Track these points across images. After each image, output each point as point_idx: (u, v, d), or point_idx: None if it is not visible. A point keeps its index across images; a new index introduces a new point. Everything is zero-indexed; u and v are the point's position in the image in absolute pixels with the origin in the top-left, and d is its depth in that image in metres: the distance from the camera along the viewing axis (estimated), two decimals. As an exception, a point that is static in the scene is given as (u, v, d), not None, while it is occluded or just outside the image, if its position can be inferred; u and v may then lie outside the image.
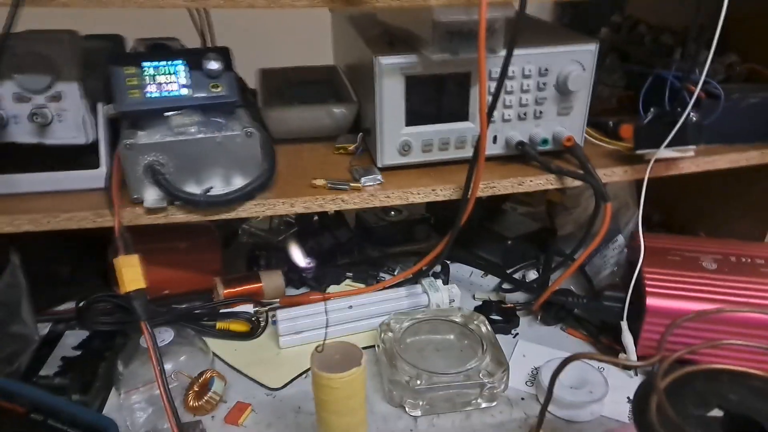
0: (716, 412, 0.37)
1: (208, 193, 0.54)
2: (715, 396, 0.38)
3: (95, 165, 0.56)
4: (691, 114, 0.59)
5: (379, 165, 0.61)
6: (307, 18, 0.97)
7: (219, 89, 0.54)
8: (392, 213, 0.85)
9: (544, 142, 0.62)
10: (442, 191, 0.60)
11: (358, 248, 0.81)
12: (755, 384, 0.39)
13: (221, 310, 0.68)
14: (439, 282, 0.72)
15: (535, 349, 0.67)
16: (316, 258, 0.75)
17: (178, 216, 0.55)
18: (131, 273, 0.51)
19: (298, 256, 0.73)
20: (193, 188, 0.55)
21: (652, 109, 0.63)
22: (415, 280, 0.72)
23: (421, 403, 0.57)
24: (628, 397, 0.60)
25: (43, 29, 0.54)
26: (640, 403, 0.37)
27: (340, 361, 0.43)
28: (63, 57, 0.53)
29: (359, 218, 0.86)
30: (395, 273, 0.77)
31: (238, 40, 0.73)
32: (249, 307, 0.69)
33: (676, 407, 0.35)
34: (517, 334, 0.69)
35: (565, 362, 0.39)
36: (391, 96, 0.58)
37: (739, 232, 0.76)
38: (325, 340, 0.43)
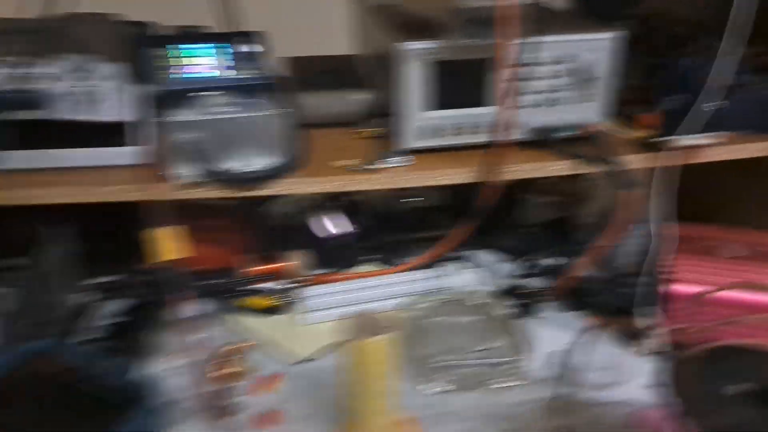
0: (743, 386, 0.38)
1: (238, 171, 0.57)
2: (745, 369, 0.39)
3: (133, 142, 0.58)
4: (714, 103, 0.60)
5: (402, 148, 0.63)
6: (327, 8, 0.99)
7: (251, 71, 0.56)
8: (412, 199, 0.86)
9: (567, 128, 0.63)
10: (463, 174, 0.61)
11: (378, 233, 0.83)
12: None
13: (247, 287, 0.70)
14: (460, 266, 0.73)
15: (555, 333, 0.67)
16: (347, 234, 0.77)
17: (214, 192, 0.57)
18: (169, 246, 0.54)
19: (339, 223, 0.75)
20: (228, 165, 0.57)
21: (673, 98, 0.63)
22: (436, 264, 0.74)
23: (443, 380, 0.59)
24: (649, 381, 0.61)
25: (86, 12, 0.56)
26: (674, 372, 0.38)
27: (370, 330, 0.45)
28: (105, 38, 0.56)
29: (379, 204, 0.87)
30: (415, 257, 0.79)
31: (265, 29, 0.75)
32: (274, 284, 0.71)
33: (708, 377, 0.37)
34: (537, 318, 0.70)
35: (584, 334, 0.40)
36: (413, 81, 0.59)
37: (759, 225, 0.76)
38: (353, 305, 0.45)
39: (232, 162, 0.57)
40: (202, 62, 0.55)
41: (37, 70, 0.52)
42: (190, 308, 0.53)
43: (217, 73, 0.55)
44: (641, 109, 0.67)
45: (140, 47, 0.54)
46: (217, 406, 0.55)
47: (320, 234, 0.77)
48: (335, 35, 0.91)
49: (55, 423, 0.50)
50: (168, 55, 0.54)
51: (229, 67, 0.56)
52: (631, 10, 0.83)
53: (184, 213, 0.65)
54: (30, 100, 0.52)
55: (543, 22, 0.52)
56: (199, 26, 0.72)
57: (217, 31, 0.74)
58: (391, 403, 0.50)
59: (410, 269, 0.74)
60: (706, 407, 0.34)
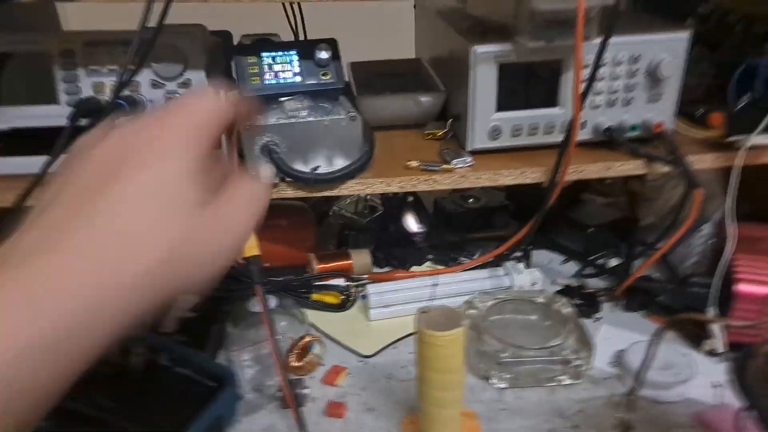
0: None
1: (316, 172, 0.60)
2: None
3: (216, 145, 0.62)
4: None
5: (469, 149, 0.65)
6: (389, 14, 1.02)
7: (327, 77, 0.59)
8: (471, 200, 0.88)
9: (633, 128, 0.63)
10: (532, 174, 0.62)
11: (437, 233, 0.85)
12: None
13: (316, 283, 0.73)
14: (521, 265, 0.74)
15: (618, 332, 0.68)
16: (417, 235, 0.79)
17: (288, 192, 0.61)
18: (249, 242, 0.57)
19: (411, 223, 0.78)
20: (301, 167, 0.60)
21: (744, 96, 0.63)
22: (497, 263, 0.75)
23: (506, 376, 0.60)
24: (713, 381, 0.60)
25: (176, 23, 0.60)
26: (740, 368, 0.39)
27: (443, 323, 0.47)
28: (192, 48, 0.60)
29: (438, 205, 0.89)
30: (474, 257, 0.80)
31: (325, 36, 0.78)
32: (340, 282, 0.74)
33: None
34: (599, 318, 0.71)
35: (658, 334, 0.41)
36: (484, 83, 0.61)
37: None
38: (431, 300, 0.47)
39: (310, 163, 0.60)
40: (286, 69, 0.58)
41: (137, 78, 0.56)
42: (262, 303, 0.55)
43: (298, 79, 0.58)
44: (712, 109, 0.66)
45: (233, 55, 0.58)
46: (286, 397, 0.57)
47: (385, 233, 0.80)
48: (399, 40, 0.94)
49: (148, 405, 0.54)
50: (260, 63, 0.57)
51: (308, 74, 0.59)
52: (704, 7, 0.82)
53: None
54: (131, 106, 0.56)
55: (613, 22, 0.53)
56: (271, 34, 0.76)
57: (285, 39, 0.78)
58: (458, 397, 0.51)
59: (475, 268, 0.75)
60: None
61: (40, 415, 0.26)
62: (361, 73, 0.84)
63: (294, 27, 0.93)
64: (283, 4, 0.89)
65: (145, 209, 0.29)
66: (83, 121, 0.53)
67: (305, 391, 0.60)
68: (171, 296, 0.30)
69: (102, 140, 0.31)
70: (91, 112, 0.53)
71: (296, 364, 0.63)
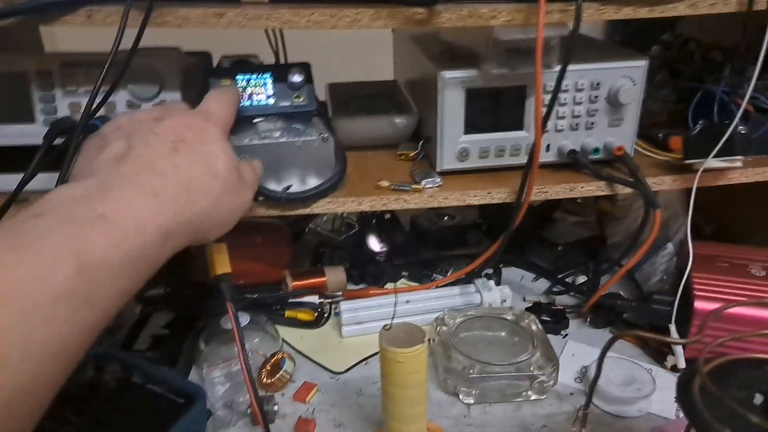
0: (758, 398, 0.40)
1: (288, 191, 0.61)
2: (758, 382, 0.41)
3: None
4: (740, 127, 0.62)
5: (438, 169, 0.67)
6: (367, 37, 1.05)
7: (300, 99, 0.61)
8: (446, 218, 0.90)
9: (596, 151, 0.66)
10: (498, 194, 0.64)
11: (412, 250, 0.87)
12: (798, 373, 0.41)
13: (290, 300, 0.74)
14: (492, 283, 0.76)
15: (584, 349, 0.70)
16: (379, 254, 0.81)
17: (261, 210, 0.62)
18: (220, 259, 0.58)
19: (374, 243, 0.79)
20: (274, 187, 0.62)
21: (700, 122, 0.65)
22: (468, 280, 0.77)
23: (474, 391, 0.62)
24: (675, 396, 0.62)
25: (152, 46, 0.62)
26: (684, 385, 0.40)
27: (405, 339, 0.48)
28: (168, 70, 0.61)
29: (414, 223, 0.91)
30: (448, 274, 0.82)
31: (305, 57, 0.80)
32: (314, 299, 0.75)
33: (719, 390, 0.39)
34: (566, 334, 0.72)
35: (612, 341, 0.43)
36: (451, 107, 0.63)
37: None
38: (392, 321, 0.49)
39: (283, 182, 0.61)
40: (260, 91, 0.60)
41: (113, 98, 0.57)
42: (232, 320, 0.56)
43: (272, 101, 0.60)
44: (673, 133, 0.69)
45: (209, 77, 0.59)
46: (255, 414, 0.58)
47: (360, 251, 0.81)
48: (382, 62, 0.96)
49: (119, 423, 0.54)
50: (234, 85, 0.59)
51: (281, 96, 0.61)
52: (667, 36, 0.86)
53: (233, 231, 0.70)
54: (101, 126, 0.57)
55: (576, 51, 0.55)
56: (251, 55, 0.78)
57: (263, 62, 0.80)
58: (422, 412, 0.52)
59: (447, 285, 0.77)
60: (717, 421, 0.36)
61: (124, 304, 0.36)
62: (338, 93, 0.86)
63: (275, 49, 0.95)
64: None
65: (198, 174, 0.40)
66: (58, 141, 0.55)
67: (275, 407, 0.61)
68: (191, 243, 0.40)
69: (161, 119, 0.44)
70: (65, 131, 0.54)
71: (267, 380, 0.63)
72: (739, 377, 0.41)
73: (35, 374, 0.28)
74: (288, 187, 0.62)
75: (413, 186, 0.64)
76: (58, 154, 0.52)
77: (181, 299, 0.73)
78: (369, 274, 0.81)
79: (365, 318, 0.72)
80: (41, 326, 0.28)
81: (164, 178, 0.38)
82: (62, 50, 0.64)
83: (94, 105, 0.52)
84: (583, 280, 0.79)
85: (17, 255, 0.29)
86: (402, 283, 0.82)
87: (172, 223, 0.37)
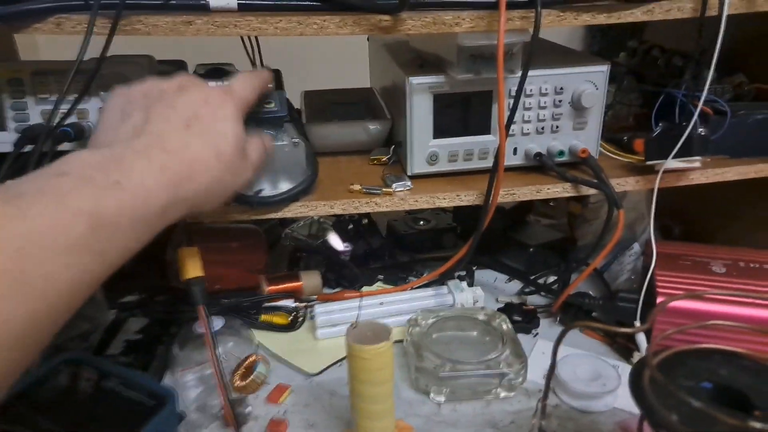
0: (705, 386, 0.42)
1: (259, 195, 0.62)
2: (706, 371, 0.43)
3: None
4: (699, 129, 0.64)
5: (409, 173, 0.68)
6: (345, 45, 1.06)
7: (271, 105, 0.62)
8: (421, 222, 0.91)
9: (561, 153, 0.68)
10: (466, 196, 0.66)
11: (389, 254, 0.88)
12: (744, 363, 0.43)
13: (265, 304, 0.75)
14: (464, 284, 0.77)
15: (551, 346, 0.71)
16: (342, 253, 0.82)
17: (233, 214, 0.63)
18: (192, 263, 0.59)
19: (336, 241, 0.80)
20: (246, 191, 0.63)
21: (660, 124, 0.68)
22: (441, 281, 0.78)
23: (444, 390, 0.63)
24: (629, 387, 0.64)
25: (125, 54, 0.63)
26: (635, 376, 0.42)
27: (371, 337, 0.49)
28: (140, 77, 0.62)
29: (390, 227, 0.92)
30: (423, 276, 0.83)
31: (283, 65, 0.82)
32: (290, 303, 0.76)
33: (668, 379, 0.40)
34: (537, 333, 0.74)
35: (566, 330, 0.44)
36: (420, 112, 0.65)
37: (757, 244, 0.79)
38: (357, 320, 0.50)
39: (255, 186, 0.62)
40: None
41: (85, 106, 0.58)
42: (204, 324, 0.57)
43: (241, 107, 0.61)
44: (636, 135, 0.71)
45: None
46: (227, 416, 0.59)
47: (333, 253, 0.82)
48: (355, 71, 0.98)
49: (93, 428, 0.54)
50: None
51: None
52: (633, 43, 0.89)
53: (207, 237, 0.70)
54: (77, 133, 0.58)
55: (539, 56, 0.57)
56: (226, 64, 0.79)
57: (239, 70, 0.81)
58: (389, 409, 0.53)
59: (420, 287, 0.78)
60: (666, 408, 0.38)
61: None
62: (314, 101, 0.87)
63: (251, 57, 0.97)
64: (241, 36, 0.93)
65: (204, 156, 0.44)
66: (27, 148, 0.55)
67: (248, 409, 0.61)
68: (189, 215, 0.43)
69: (183, 90, 0.46)
70: (36, 138, 0.55)
71: (240, 383, 0.64)
72: (687, 367, 0.43)
73: (48, 307, 0.33)
74: (260, 191, 0.63)
75: (384, 189, 0.66)
76: (26, 161, 0.52)
77: (155, 305, 0.74)
78: (345, 278, 0.82)
79: (340, 320, 0.73)
80: (57, 267, 0.33)
81: (173, 156, 0.42)
82: (46, 59, 0.65)
83: (64, 112, 0.53)
84: (553, 280, 0.81)
85: (42, 206, 0.34)
86: (378, 286, 0.83)
87: (172, 198, 0.41)
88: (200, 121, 0.45)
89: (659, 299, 0.64)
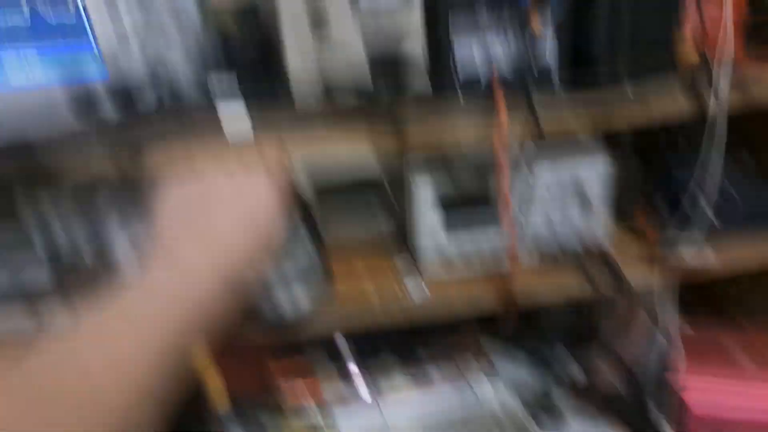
0: None
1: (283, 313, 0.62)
2: None
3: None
4: (710, 207, 0.64)
5: (422, 280, 0.68)
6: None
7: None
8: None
9: (572, 245, 0.68)
10: (483, 302, 0.65)
11: (409, 349, 0.85)
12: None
13: (287, 407, 0.73)
14: (488, 378, 0.75)
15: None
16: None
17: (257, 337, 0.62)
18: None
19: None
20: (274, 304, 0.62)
21: (674, 214, 0.67)
22: (464, 376, 0.76)
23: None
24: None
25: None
26: None
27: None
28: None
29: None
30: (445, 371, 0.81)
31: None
32: (311, 404, 0.74)
33: None
34: (562, 426, 0.72)
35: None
36: (427, 213, 0.66)
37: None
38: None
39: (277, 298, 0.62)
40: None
41: None
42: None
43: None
44: (647, 220, 0.71)
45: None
46: None
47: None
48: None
49: None
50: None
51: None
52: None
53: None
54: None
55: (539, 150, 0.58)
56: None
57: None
58: None
59: (439, 383, 0.77)
60: None
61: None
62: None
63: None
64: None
65: (234, 234, 0.43)
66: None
67: None
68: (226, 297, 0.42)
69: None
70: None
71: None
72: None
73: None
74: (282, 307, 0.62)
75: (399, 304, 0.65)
76: None
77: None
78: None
79: (362, 427, 0.71)
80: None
81: (202, 245, 0.41)
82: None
83: None
84: (576, 372, 0.79)
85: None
86: (399, 381, 0.81)
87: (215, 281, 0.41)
88: (220, 204, 0.44)
89: (685, 403, 0.62)
